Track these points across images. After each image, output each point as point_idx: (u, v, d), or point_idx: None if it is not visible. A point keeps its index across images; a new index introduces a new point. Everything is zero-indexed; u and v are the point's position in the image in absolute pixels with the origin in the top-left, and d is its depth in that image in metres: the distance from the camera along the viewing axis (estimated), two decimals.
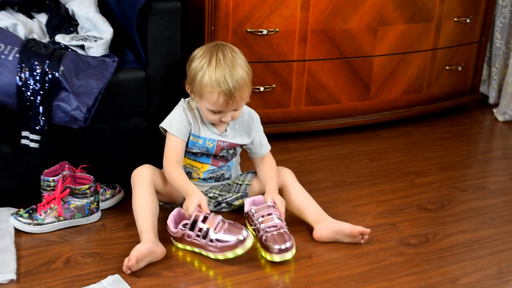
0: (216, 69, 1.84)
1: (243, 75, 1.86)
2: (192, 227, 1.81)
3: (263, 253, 1.83)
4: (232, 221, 1.82)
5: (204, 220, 1.80)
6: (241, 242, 1.75)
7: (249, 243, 1.76)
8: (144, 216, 1.83)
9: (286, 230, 1.85)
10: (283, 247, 1.80)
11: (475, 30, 3.07)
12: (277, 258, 1.80)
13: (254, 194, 2.03)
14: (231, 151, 2.03)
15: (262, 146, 2.07)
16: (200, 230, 1.79)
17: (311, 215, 1.98)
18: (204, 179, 2.03)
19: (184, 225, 1.82)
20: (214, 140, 1.98)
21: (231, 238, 1.76)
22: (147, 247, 1.74)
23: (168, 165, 1.92)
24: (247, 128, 2.04)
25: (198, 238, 1.80)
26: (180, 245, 1.86)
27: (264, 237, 1.83)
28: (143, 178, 1.89)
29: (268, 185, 1.99)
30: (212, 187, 2.05)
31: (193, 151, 1.99)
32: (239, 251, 1.76)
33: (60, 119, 1.90)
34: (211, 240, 1.78)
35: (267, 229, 1.84)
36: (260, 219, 1.87)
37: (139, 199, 1.87)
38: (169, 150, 1.95)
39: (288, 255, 1.81)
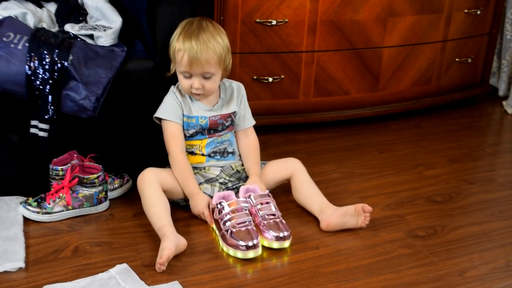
0: (186, 32, 1.94)
1: (212, 41, 1.93)
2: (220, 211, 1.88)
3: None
4: (254, 228, 1.84)
5: (232, 212, 1.84)
6: (246, 248, 1.77)
7: (251, 254, 1.78)
8: (158, 213, 1.85)
9: (282, 220, 1.90)
10: (281, 235, 1.83)
11: (486, 22, 3.04)
12: (275, 245, 1.84)
13: (264, 183, 2.04)
14: (227, 123, 2.06)
15: (246, 119, 2.11)
16: (223, 217, 1.84)
17: (317, 205, 1.99)
18: (209, 156, 2.05)
19: (220, 203, 1.88)
20: (206, 117, 2.02)
21: (239, 242, 1.78)
22: (173, 242, 1.74)
23: (175, 158, 1.97)
24: (236, 96, 2.08)
25: (219, 221, 1.85)
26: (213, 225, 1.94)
27: (262, 224, 1.86)
28: (148, 180, 1.90)
29: (253, 169, 2.05)
30: (222, 170, 2.05)
31: (189, 132, 2.02)
32: (239, 254, 1.79)
33: (69, 108, 1.90)
34: (226, 231, 1.82)
35: (266, 216, 1.88)
36: (259, 206, 1.90)
37: (149, 199, 1.88)
38: (171, 138, 1.99)
39: (286, 244, 1.84)
